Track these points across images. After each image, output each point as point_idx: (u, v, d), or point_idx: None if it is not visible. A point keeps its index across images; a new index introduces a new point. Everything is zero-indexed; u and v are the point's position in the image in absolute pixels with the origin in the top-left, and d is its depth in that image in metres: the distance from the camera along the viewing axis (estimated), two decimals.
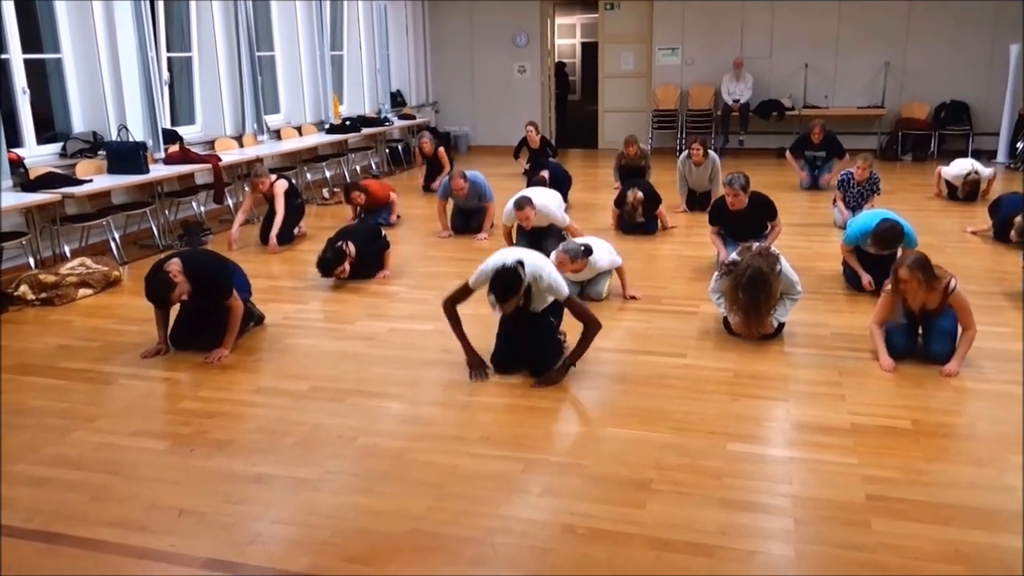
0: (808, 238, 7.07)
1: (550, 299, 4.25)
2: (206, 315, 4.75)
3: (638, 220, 7.27)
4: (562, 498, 3.14)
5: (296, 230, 7.58)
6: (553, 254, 5.15)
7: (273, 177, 7.44)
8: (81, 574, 2.74)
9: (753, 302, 4.49)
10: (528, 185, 7.85)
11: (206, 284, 4.62)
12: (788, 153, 9.93)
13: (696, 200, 8.34)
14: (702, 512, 3.01)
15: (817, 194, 9.29)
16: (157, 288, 4.51)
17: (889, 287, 4.32)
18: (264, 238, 7.37)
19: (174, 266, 4.51)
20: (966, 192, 8.49)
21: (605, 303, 5.51)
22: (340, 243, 6.03)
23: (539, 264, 4.16)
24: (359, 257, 6.10)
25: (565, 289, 4.16)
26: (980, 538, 2.83)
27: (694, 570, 2.69)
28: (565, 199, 7.72)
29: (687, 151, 8.35)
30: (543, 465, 3.41)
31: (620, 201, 7.43)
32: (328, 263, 5.95)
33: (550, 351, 4.35)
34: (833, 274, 6.00)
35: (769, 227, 6.12)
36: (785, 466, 3.36)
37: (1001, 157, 11.00)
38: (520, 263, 4.06)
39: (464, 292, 4.29)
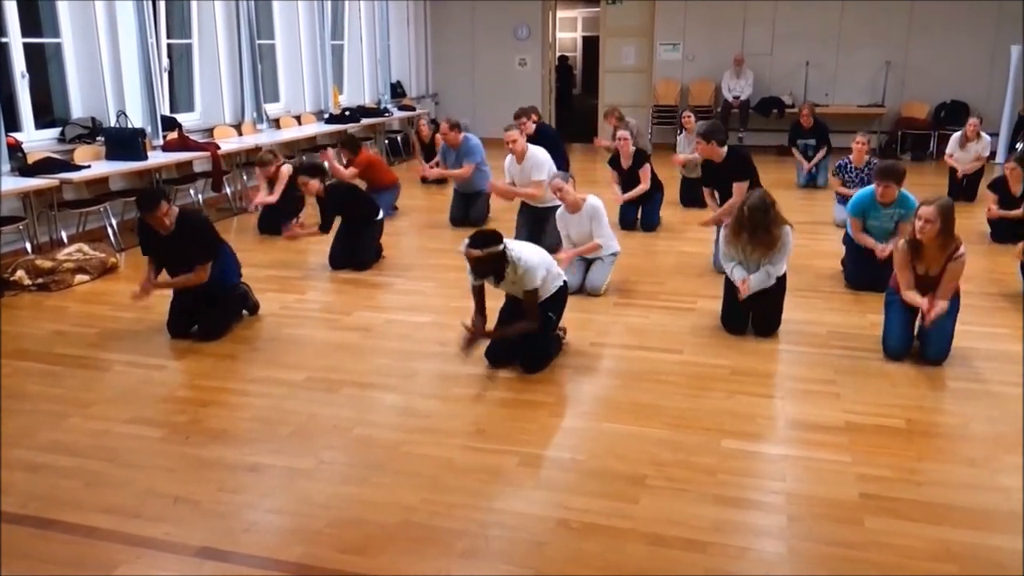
0: (805, 236, 7.06)
1: (525, 285, 4.19)
2: (205, 301, 4.74)
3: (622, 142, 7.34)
4: (556, 492, 3.15)
5: (294, 220, 7.56)
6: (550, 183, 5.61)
7: (280, 160, 7.49)
8: (75, 560, 2.74)
9: (761, 220, 4.53)
10: None
11: (192, 236, 4.68)
12: (792, 148, 9.88)
13: (693, 192, 8.31)
14: (696, 508, 3.01)
15: (815, 192, 9.30)
16: (149, 193, 4.68)
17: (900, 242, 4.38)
18: (261, 227, 7.38)
19: (172, 207, 4.67)
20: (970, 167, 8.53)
21: (603, 298, 5.51)
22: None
23: (525, 255, 4.18)
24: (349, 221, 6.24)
25: (535, 283, 4.18)
26: (972, 538, 2.84)
27: (687, 565, 2.69)
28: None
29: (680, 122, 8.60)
30: (538, 459, 3.41)
31: (614, 160, 7.52)
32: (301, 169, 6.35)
33: (544, 346, 4.34)
34: (831, 272, 6.00)
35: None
36: (779, 463, 3.37)
37: (1000, 158, 10.99)
38: (505, 243, 4.12)
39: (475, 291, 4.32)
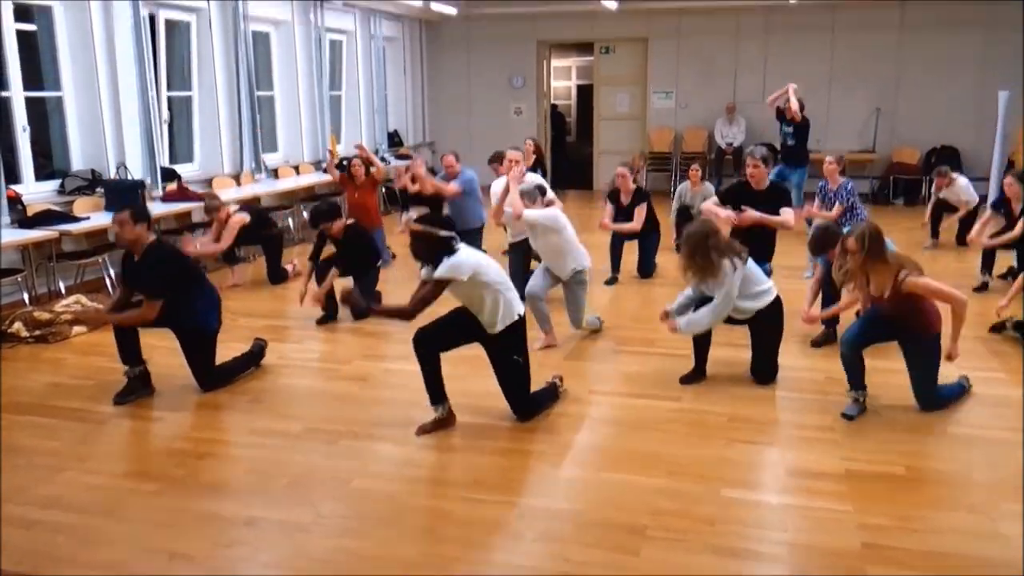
0: (799, 280, 7.09)
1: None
2: (185, 348, 4.71)
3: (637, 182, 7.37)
4: (556, 543, 3.12)
5: (290, 267, 7.58)
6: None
7: (233, 208, 7.26)
8: None
9: (685, 251, 4.59)
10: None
11: (147, 273, 4.53)
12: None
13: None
14: (696, 559, 2.99)
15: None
16: (127, 205, 4.58)
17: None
18: (273, 276, 7.37)
19: (146, 234, 4.53)
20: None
21: (601, 347, 5.52)
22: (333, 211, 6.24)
23: (462, 255, 3.97)
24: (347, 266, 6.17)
25: (436, 273, 3.94)
26: None
27: None
28: None
29: (686, 175, 8.59)
30: (537, 510, 3.39)
31: (613, 194, 7.46)
32: (319, 213, 6.23)
33: (517, 390, 4.23)
34: None
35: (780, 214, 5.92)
36: (779, 513, 3.35)
37: (992, 198, 11.09)
38: (454, 240, 4.01)
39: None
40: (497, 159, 8.43)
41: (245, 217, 7.15)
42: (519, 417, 4.24)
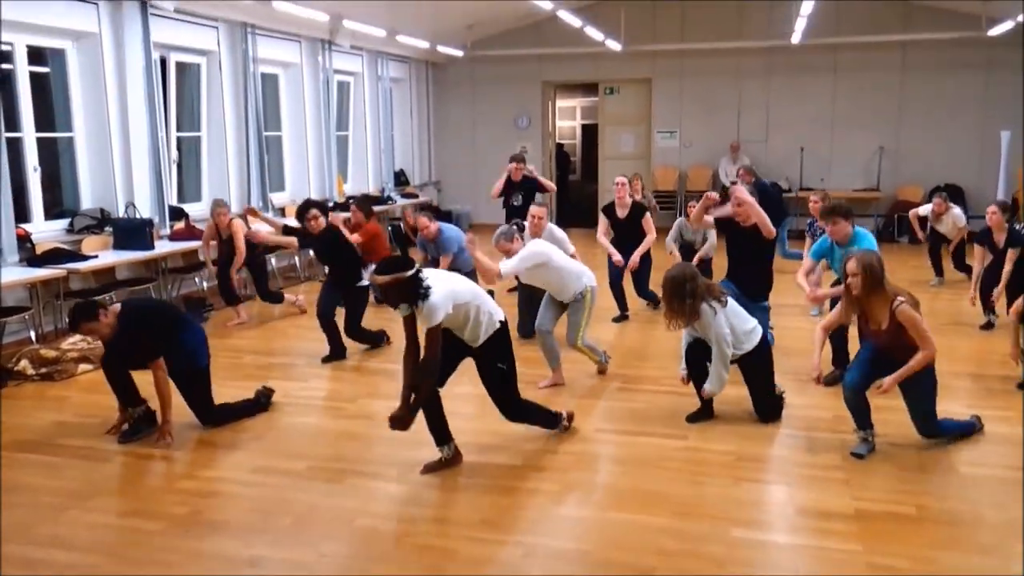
0: (806, 319, 7.09)
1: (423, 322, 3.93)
2: (180, 387, 4.68)
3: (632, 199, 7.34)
4: None
5: (295, 300, 7.60)
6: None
7: (232, 214, 7.38)
8: None
9: (665, 296, 4.59)
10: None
11: (134, 343, 4.49)
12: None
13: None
14: None
15: (785, 263, 9.28)
16: (75, 311, 4.46)
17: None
18: (263, 295, 7.48)
19: (112, 309, 4.48)
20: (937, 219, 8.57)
21: (607, 385, 5.50)
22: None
23: (434, 290, 3.86)
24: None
25: (429, 322, 3.85)
26: None
27: None
28: None
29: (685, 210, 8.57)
30: (542, 550, 3.36)
31: (609, 208, 7.43)
32: (312, 202, 6.36)
33: (503, 395, 4.22)
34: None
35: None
36: (789, 553, 3.31)
37: None
38: (419, 271, 3.90)
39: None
40: (518, 159, 8.70)
41: (244, 224, 7.28)
42: (507, 417, 4.24)
